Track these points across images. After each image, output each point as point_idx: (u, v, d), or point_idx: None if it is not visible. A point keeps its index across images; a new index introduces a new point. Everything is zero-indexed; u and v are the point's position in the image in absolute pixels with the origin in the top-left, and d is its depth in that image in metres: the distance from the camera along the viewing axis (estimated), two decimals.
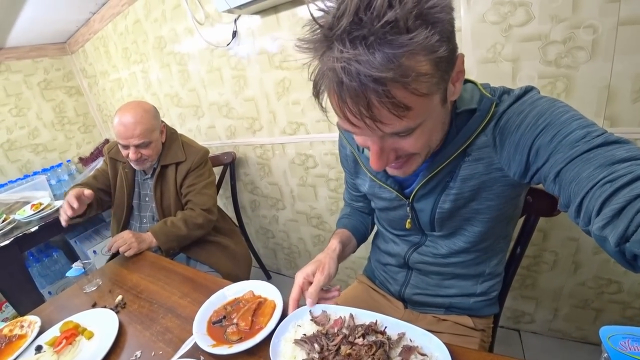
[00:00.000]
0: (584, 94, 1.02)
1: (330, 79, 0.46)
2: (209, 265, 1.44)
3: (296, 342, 0.67)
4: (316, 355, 0.63)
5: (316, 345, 0.65)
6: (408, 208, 0.75)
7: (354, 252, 0.94)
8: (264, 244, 2.23)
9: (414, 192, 0.71)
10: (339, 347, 0.64)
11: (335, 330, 0.68)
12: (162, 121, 1.42)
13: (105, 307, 0.97)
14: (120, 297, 1.00)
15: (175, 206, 1.44)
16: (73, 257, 2.44)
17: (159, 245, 1.26)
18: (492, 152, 0.61)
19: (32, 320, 0.95)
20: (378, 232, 1.00)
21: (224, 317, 0.78)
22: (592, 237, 0.44)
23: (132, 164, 1.39)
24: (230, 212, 1.97)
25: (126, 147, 1.31)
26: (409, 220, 0.78)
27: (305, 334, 0.69)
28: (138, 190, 1.50)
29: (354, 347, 0.63)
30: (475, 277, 0.82)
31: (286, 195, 1.89)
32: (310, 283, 0.75)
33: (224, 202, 2.13)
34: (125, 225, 1.53)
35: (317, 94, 0.51)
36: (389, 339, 0.64)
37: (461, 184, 0.66)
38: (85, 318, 0.93)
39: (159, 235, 1.27)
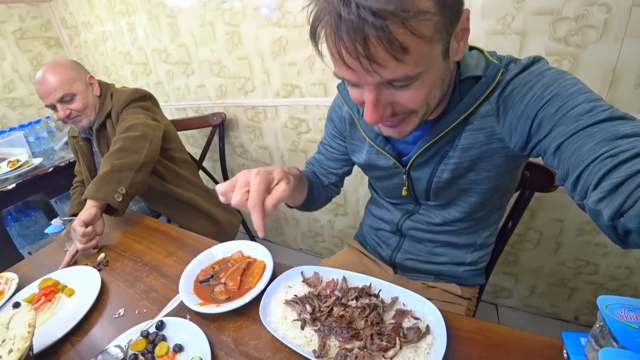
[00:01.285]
0: (588, 75, 1.00)
1: (329, 14, 0.44)
2: (182, 226, 1.36)
3: (287, 302, 0.66)
4: (308, 316, 0.62)
5: (308, 307, 0.63)
6: (404, 176, 0.73)
7: (296, 205, 0.84)
8: None
9: (412, 160, 0.69)
10: (332, 309, 0.63)
11: (328, 292, 0.67)
12: (91, 75, 1.31)
13: (87, 265, 0.92)
14: (102, 255, 0.95)
15: None
16: (53, 217, 2.35)
17: (100, 204, 1.01)
18: (494, 121, 0.59)
19: (9, 277, 0.90)
20: (372, 197, 0.98)
21: (212, 277, 0.75)
22: (586, 210, 0.43)
23: (73, 126, 1.28)
24: (218, 175, 1.92)
25: (53, 107, 1.23)
26: (405, 188, 0.76)
27: (296, 295, 0.67)
28: (99, 160, 1.40)
29: (347, 309, 0.62)
30: (466, 247, 0.82)
31: (276, 160, 1.83)
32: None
33: (211, 165, 2.06)
34: None
35: (314, 35, 0.48)
36: (382, 302, 0.63)
37: (461, 153, 0.64)
38: (66, 275, 0.88)
39: (87, 192, 1.00)
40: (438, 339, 0.54)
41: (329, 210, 1.82)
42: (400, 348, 0.54)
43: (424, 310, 0.60)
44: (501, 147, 0.60)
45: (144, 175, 1.12)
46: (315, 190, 0.86)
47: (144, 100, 1.33)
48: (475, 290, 0.90)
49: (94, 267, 0.90)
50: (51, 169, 1.82)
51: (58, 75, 1.20)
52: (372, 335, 0.56)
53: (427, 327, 0.57)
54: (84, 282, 0.84)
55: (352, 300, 0.63)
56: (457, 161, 0.65)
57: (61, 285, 0.84)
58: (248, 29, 1.51)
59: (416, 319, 0.59)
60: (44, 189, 2.24)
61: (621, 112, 0.46)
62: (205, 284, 0.74)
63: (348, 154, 0.85)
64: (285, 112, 1.62)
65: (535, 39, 1.03)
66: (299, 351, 0.56)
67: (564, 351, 0.47)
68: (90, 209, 0.97)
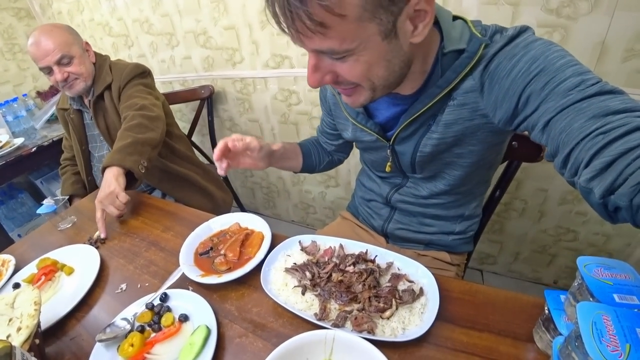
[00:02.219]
0: (578, 47, 1.01)
1: None
2: (178, 200, 1.37)
3: (287, 270, 0.68)
4: (308, 283, 0.64)
5: (307, 273, 0.66)
6: (388, 151, 0.74)
7: (295, 170, 0.97)
8: (242, 182, 2.19)
9: (395, 134, 0.69)
10: (330, 275, 0.65)
11: (326, 259, 0.69)
12: (87, 42, 1.29)
13: (84, 243, 0.92)
14: (98, 232, 0.95)
15: None
16: (40, 198, 2.31)
17: (124, 170, 1.01)
18: (478, 97, 0.58)
19: (6, 259, 0.89)
20: (362, 169, 1.00)
21: (211, 249, 0.76)
22: (577, 188, 0.43)
23: (66, 91, 1.25)
24: (207, 149, 1.89)
25: (49, 71, 1.19)
26: (389, 164, 0.78)
27: (295, 263, 0.69)
28: (91, 133, 1.38)
29: (345, 274, 0.64)
30: (454, 218, 0.84)
31: (267, 133, 1.81)
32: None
33: (200, 139, 2.03)
34: (89, 170, 1.43)
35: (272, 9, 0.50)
36: (378, 267, 0.66)
37: (444, 128, 0.64)
38: (63, 254, 0.89)
39: (113, 159, 1.00)
40: (431, 300, 0.58)
41: (320, 182, 1.83)
42: (397, 309, 0.57)
43: (418, 273, 0.64)
44: (485, 122, 0.60)
45: (156, 154, 1.15)
46: (313, 157, 0.96)
47: (144, 76, 1.32)
48: (463, 257, 0.93)
49: (90, 244, 0.90)
50: (34, 148, 1.78)
51: (56, 37, 1.17)
52: (369, 297, 0.59)
53: (421, 289, 0.60)
54: (82, 260, 0.85)
55: (349, 266, 0.66)
56: (439, 136, 0.65)
57: (60, 264, 0.85)
58: None
59: (410, 282, 0.62)
60: (28, 170, 2.18)
61: (610, 86, 0.45)
62: (205, 256, 0.75)
63: (337, 129, 0.89)
64: (275, 84, 1.58)
65: (527, 10, 1.02)
66: (301, 315, 0.59)
67: (545, 307, 0.50)
68: (119, 177, 0.97)
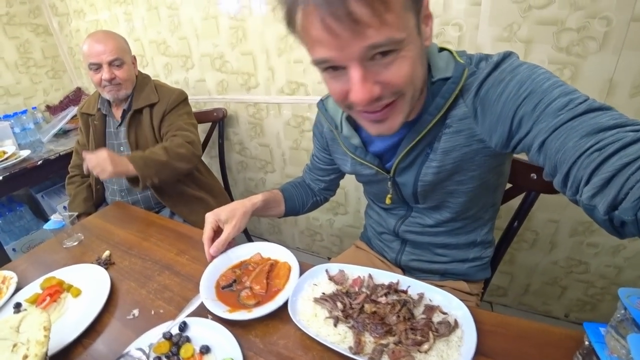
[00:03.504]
0: (587, 84, 1.03)
1: None
2: (191, 224, 1.33)
3: (316, 300, 0.64)
4: (340, 314, 0.60)
5: (339, 304, 0.61)
6: (389, 182, 0.73)
7: (279, 216, 0.95)
8: None
9: (394, 165, 0.68)
10: (363, 306, 0.61)
11: (357, 289, 0.66)
12: (135, 57, 1.36)
13: (92, 263, 0.86)
14: (107, 252, 0.89)
15: None
16: (40, 213, 2.22)
17: (136, 173, 1.10)
18: (472, 123, 0.58)
19: (7, 276, 0.83)
20: (368, 204, 0.98)
21: (234, 281, 0.70)
22: (580, 205, 0.43)
23: (105, 93, 1.27)
24: (215, 171, 1.85)
25: (98, 67, 1.23)
26: (388, 196, 0.77)
27: (324, 293, 0.65)
28: (111, 142, 1.36)
29: (377, 305, 0.61)
30: (466, 245, 0.82)
31: (277, 158, 1.79)
32: (219, 227, 0.78)
33: (208, 161, 1.99)
34: (99, 180, 1.39)
35: (289, 19, 0.49)
36: (411, 297, 0.62)
37: (442, 156, 0.63)
38: (70, 274, 0.82)
39: (136, 160, 1.10)
40: (467, 333, 0.55)
41: (329, 209, 1.80)
42: (434, 342, 0.54)
43: (451, 305, 0.60)
44: (482, 147, 0.60)
45: (171, 180, 1.24)
46: (296, 201, 0.94)
47: (187, 103, 1.38)
48: (480, 285, 0.90)
49: (99, 265, 0.85)
50: (40, 161, 1.72)
51: (116, 40, 1.25)
52: (405, 330, 0.55)
53: (455, 322, 0.57)
54: (90, 282, 0.79)
55: (381, 296, 0.62)
56: (438, 164, 0.64)
57: (66, 284, 0.78)
58: (254, 25, 1.46)
59: (444, 313, 0.59)
60: (31, 183, 2.11)
61: (598, 103, 0.46)
62: (228, 290, 0.69)
63: (332, 165, 0.88)
64: (289, 110, 1.58)
65: (539, 48, 1.05)
66: (334, 348, 0.54)
67: (585, 341, 0.47)
68: (124, 168, 1.08)
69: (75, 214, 0.97)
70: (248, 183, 2.02)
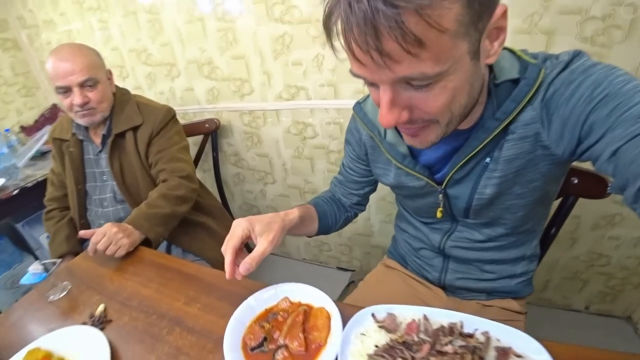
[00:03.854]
0: None
1: (340, 5, 0.39)
2: (194, 254, 1.19)
3: (371, 358, 0.51)
4: None
5: None
6: (440, 195, 0.65)
7: (309, 235, 0.83)
8: None
9: (449, 176, 0.61)
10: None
11: (415, 338, 0.53)
12: (110, 71, 1.16)
13: (84, 323, 0.70)
14: (102, 306, 0.74)
15: (143, 181, 1.16)
16: (21, 244, 2.00)
17: (145, 237, 0.98)
18: (540, 128, 0.52)
19: None
20: (401, 214, 0.88)
21: (265, 340, 0.56)
22: None
23: (78, 118, 1.09)
24: (210, 186, 1.70)
25: (67, 90, 1.03)
26: (440, 209, 0.68)
27: (377, 346, 0.52)
28: (92, 170, 1.19)
29: (444, 357, 0.49)
30: (515, 260, 0.74)
31: (277, 168, 1.65)
32: (249, 238, 0.64)
33: (202, 175, 1.84)
34: (83, 213, 1.22)
35: (328, 30, 0.43)
36: (479, 343, 0.51)
37: (505, 165, 0.56)
38: (59, 341, 0.66)
39: (141, 223, 0.97)
40: None
41: None
42: None
43: (523, 345, 0.50)
44: (547, 154, 0.54)
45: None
46: (329, 218, 0.83)
47: (176, 120, 1.23)
48: (525, 302, 0.82)
49: (93, 324, 0.69)
50: (16, 191, 1.53)
51: (86, 57, 1.05)
52: None
53: None
54: (85, 349, 0.64)
55: (446, 344, 0.51)
56: (501, 174, 0.57)
57: (55, 357, 0.63)
58: (245, 26, 1.30)
59: (519, 356, 0.48)
60: (10, 214, 1.89)
61: None
62: (259, 351, 0.56)
63: (368, 176, 0.81)
64: (289, 116, 1.43)
65: (561, 39, 0.98)
66: None
67: None
68: (136, 238, 0.94)
69: (59, 260, 0.81)
70: (246, 195, 1.87)
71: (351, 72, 0.46)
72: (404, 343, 0.52)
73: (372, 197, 1.46)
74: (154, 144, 1.14)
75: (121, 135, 1.13)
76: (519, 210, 0.63)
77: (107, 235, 0.87)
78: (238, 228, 0.63)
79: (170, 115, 1.19)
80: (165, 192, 1.06)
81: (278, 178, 1.68)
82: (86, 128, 1.15)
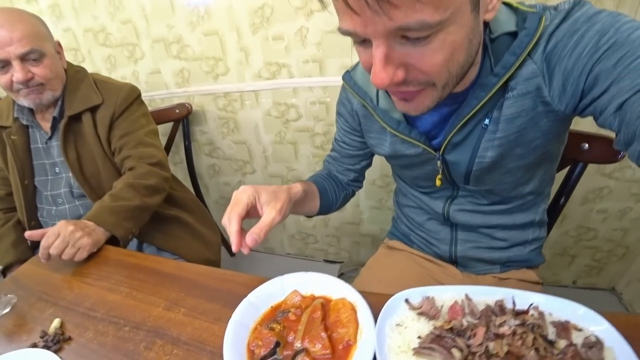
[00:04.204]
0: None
1: None
2: (171, 252, 1.02)
3: (418, 351, 0.42)
4: None
5: (455, 351, 0.40)
6: (439, 162, 0.61)
7: (311, 214, 0.77)
8: None
9: (447, 140, 0.57)
10: (486, 346, 0.41)
11: (464, 322, 0.45)
12: (59, 43, 0.97)
13: (34, 345, 0.54)
14: (57, 321, 0.58)
15: (105, 172, 0.99)
16: None
17: (112, 235, 0.81)
18: (541, 83, 0.49)
19: None
20: (399, 190, 0.84)
21: (277, 345, 0.43)
22: None
23: (22, 98, 0.89)
24: (182, 180, 1.52)
25: (5, 64, 0.84)
26: (439, 177, 0.65)
27: (420, 337, 0.43)
28: (41, 161, 1.00)
29: (505, 341, 0.41)
30: (524, 226, 0.71)
31: (257, 156, 1.50)
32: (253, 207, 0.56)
33: (172, 169, 1.62)
34: (33, 214, 1.02)
35: None
36: (536, 319, 0.44)
37: (506, 125, 0.52)
38: None
39: (105, 219, 0.81)
40: (618, 350, 0.38)
41: None
42: None
43: (577, 315, 0.43)
44: (548, 110, 0.50)
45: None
46: (330, 195, 0.78)
47: (141, 101, 1.07)
48: (538, 271, 0.78)
49: (46, 345, 0.53)
50: None
51: (27, 24, 0.85)
52: None
53: (598, 339, 0.40)
54: None
55: (500, 326, 0.43)
56: (502, 135, 0.53)
57: None
58: None
59: (578, 330, 0.42)
60: None
61: None
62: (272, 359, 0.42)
63: (364, 149, 0.76)
64: (269, 97, 1.29)
65: None
66: None
67: None
68: (100, 236, 0.78)
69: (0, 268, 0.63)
70: (223, 189, 1.71)
71: (340, 30, 0.42)
72: (451, 330, 0.44)
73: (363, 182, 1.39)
74: (117, 127, 0.97)
75: (76, 118, 0.95)
76: (520, 171, 0.60)
77: (61, 236, 0.71)
78: (243, 195, 0.55)
79: (134, 95, 1.02)
80: (133, 181, 0.90)
81: (258, 167, 1.54)
82: (31, 111, 0.95)
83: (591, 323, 0.42)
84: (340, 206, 0.83)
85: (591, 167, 0.84)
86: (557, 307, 0.45)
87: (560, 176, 0.79)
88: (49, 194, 0.99)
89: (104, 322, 0.57)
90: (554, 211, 0.85)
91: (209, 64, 1.30)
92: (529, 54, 0.48)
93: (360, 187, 0.85)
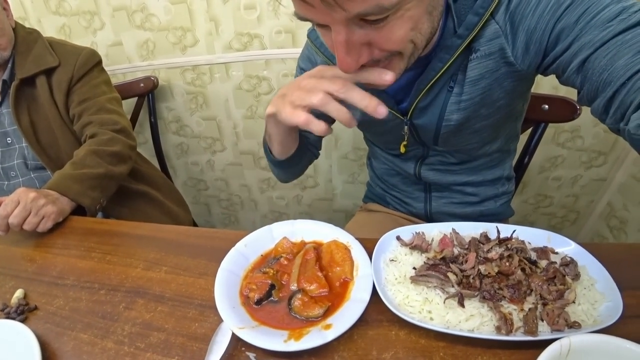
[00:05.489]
0: None
1: None
2: None
3: (415, 279, 0.43)
4: (457, 288, 0.42)
5: (451, 275, 0.43)
6: (406, 127, 0.61)
7: (295, 175, 0.78)
8: (194, 198, 1.74)
9: (414, 105, 0.56)
10: (478, 269, 0.45)
11: (456, 252, 0.48)
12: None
13: None
14: (19, 291, 0.52)
15: (64, 140, 0.90)
16: None
17: (77, 205, 0.73)
18: (504, 43, 0.48)
19: None
20: (372, 153, 0.83)
21: (272, 287, 0.41)
22: (624, 135, 0.38)
23: None
24: (150, 158, 1.43)
25: None
26: (403, 144, 0.65)
27: (415, 268, 0.45)
28: None
29: (493, 264, 0.44)
30: (493, 181, 0.73)
31: (227, 133, 1.43)
32: None
33: (139, 149, 1.53)
34: None
35: None
36: (521, 244, 0.48)
37: (471, 87, 0.52)
38: None
39: (69, 186, 0.72)
40: (591, 268, 0.44)
41: (296, 184, 1.51)
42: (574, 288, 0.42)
43: (549, 240, 0.49)
44: (512, 70, 0.50)
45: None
46: (303, 150, 0.72)
47: (102, 67, 0.99)
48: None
49: (8, 316, 0.47)
50: None
51: None
52: (542, 283, 0.42)
53: (572, 259, 0.45)
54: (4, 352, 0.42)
55: (488, 252, 0.46)
56: (467, 97, 0.53)
57: None
58: None
59: (554, 253, 0.47)
60: None
61: None
62: (268, 303, 0.40)
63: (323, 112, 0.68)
64: (240, 70, 1.23)
65: None
66: (477, 336, 0.37)
67: None
68: (65, 206, 0.70)
69: None
70: (191, 169, 1.62)
71: (296, 15, 0.38)
72: (444, 259, 0.46)
73: (334, 156, 1.38)
74: (76, 92, 0.87)
75: (29, 82, 0.85)
76: (486, 131, 0.60)
77: (22, 203, 0.63)
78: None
79: (95, 59, 0.93)
80: (96, 148, 0.82)
81: (228, 144, 1.47)
82: None
83: (561, 245, 0.48)
84: (307, 166, 0.79)
85: (547, 136, 0.88)
86: (531, 235, 0.50)
87: (524, 137, 0.82)
88: (0, 167, 0.88)
89: (75, 288, 0.52)
90: (520, 168, 0.92)
91: (176, 35, 1.21)
92: (491, 14, 0.46)
93: (316, 156, 0.80)
